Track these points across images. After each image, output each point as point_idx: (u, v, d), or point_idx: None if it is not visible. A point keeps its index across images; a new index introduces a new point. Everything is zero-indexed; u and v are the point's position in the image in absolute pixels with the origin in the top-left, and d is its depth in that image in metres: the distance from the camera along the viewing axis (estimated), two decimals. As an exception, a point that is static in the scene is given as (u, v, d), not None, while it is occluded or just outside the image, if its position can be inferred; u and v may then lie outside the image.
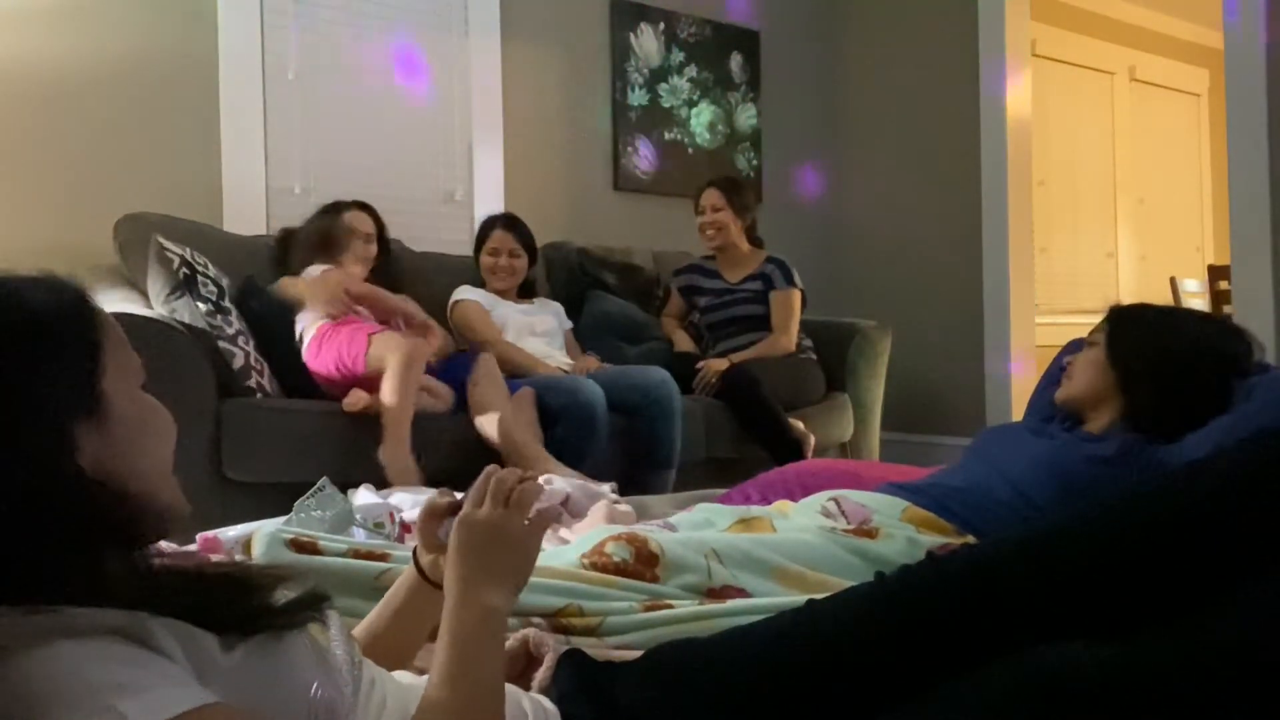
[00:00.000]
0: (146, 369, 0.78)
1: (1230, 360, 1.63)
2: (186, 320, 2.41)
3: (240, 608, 0.73)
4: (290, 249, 2.85)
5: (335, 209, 3.05)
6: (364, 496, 2.04)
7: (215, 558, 1.30)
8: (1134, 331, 1.69)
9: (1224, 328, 1.73)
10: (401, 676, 0.92)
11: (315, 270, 2.73)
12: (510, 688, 0.92)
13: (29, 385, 0.68)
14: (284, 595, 0.77)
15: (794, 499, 1.74)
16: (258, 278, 2.75)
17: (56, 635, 0.63)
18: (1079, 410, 1.74)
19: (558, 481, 2.09)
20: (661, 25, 4.13)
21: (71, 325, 0.73)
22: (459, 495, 0.98)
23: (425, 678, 0.85)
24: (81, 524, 0.67)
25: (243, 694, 0.68)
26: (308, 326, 2.66)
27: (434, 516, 0.99)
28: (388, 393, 2.43)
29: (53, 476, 0.67)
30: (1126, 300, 1.81)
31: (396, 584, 1.02)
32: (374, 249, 2.93)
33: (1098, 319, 1.78)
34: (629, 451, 2.85)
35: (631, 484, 2.69)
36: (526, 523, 0.90)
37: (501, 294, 3.19)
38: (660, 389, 2.87)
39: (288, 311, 2.71)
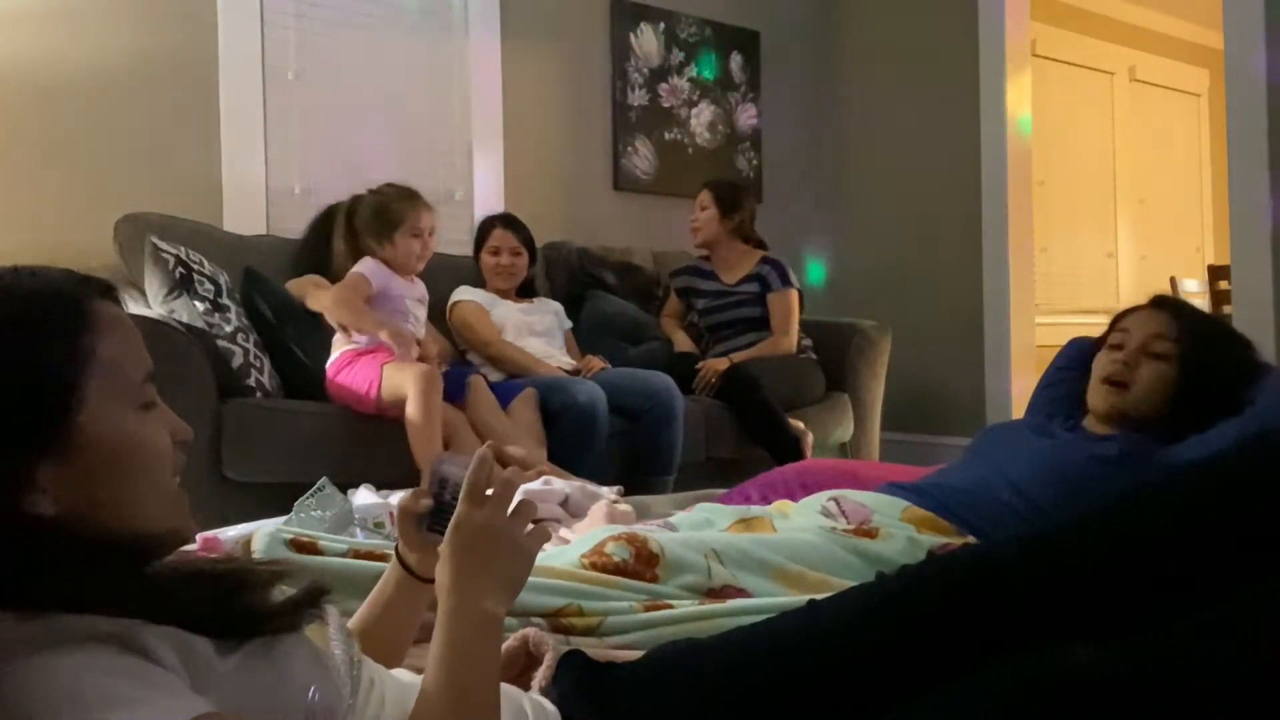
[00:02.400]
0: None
1: (1251, 372, 1.60)
2: (185, 320, 2.41)
3: (237, 610, 0.71)
4: (352, 226, 2.79)
5: (336, 211, 3.05)
6: (364, 496, 2.04)
7: (212, 556, 1.30)
8: (1208, 360, 1.60)
9: (1243, 343, 1.68)
10: (401, 674, 0.91)
11: (363, 265, 2.68)
12: (510, 688, 0.92)
13: None
14: (282, 593, 0.76)
15: (794, 499, 1.73)
16: (256, 266, 2.75)
17: (49, 644, 0.62)
18: (1119, 420, 1.66)
19: (556, 483, 2.08)
20: (661, 25, 4.13)
21: (49, 343, 0.67)
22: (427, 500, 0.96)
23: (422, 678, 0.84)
24: (46, 561, 0.65)
25: (239, 699, 0.67)
26: (335, 342, 2.64)
27: (413, 515, 0.96)
28: (413, 414, 2.42)
29: (10, 523, 0.64)
30: (1127, 300, 1.78)
31: (382, 580, 1.00)
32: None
33: (1098, 319, 1.73)
34: (629, 456, 2.85)
35: (630, 488, 2.69)
36: (527, 530, 0.87)
37: (502, 293, 3.20)
38: (663, 395, 2.88)
39: (297, 308, 2.72)
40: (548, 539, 0.92)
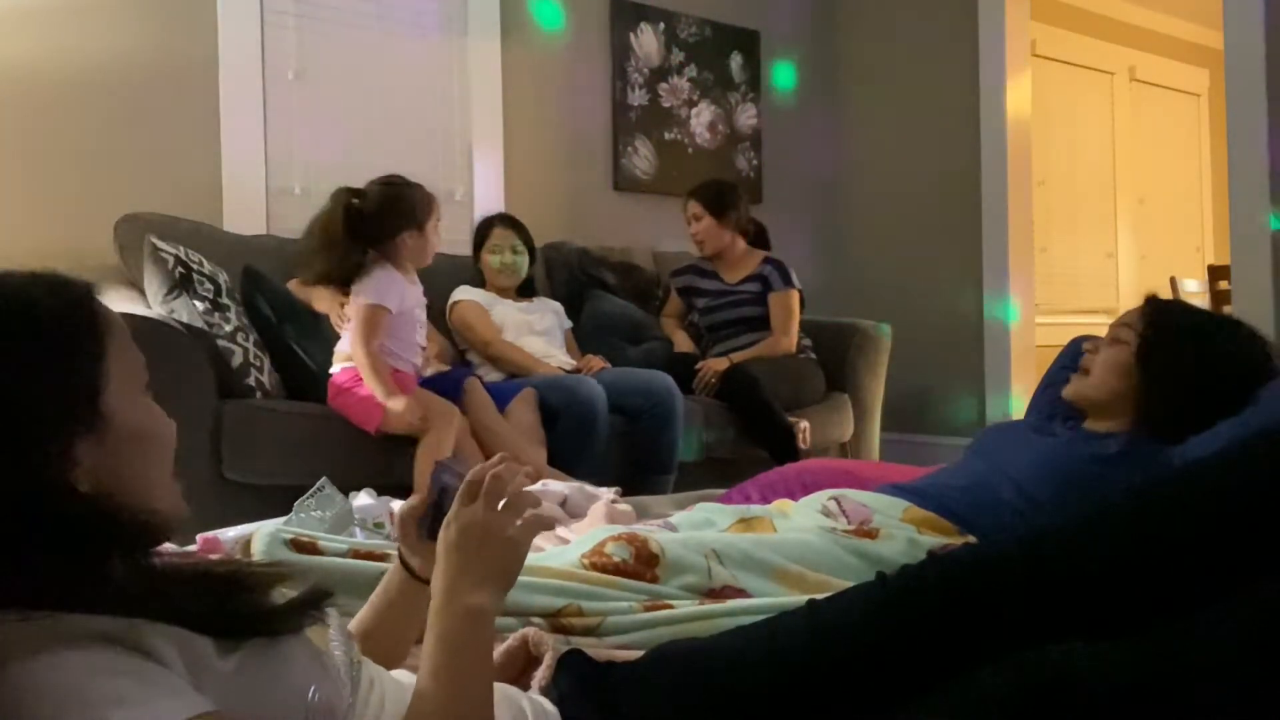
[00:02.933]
0: (147, 369, 0.77)
1: (1256, 375, 1.58)
2: (185, 320, 2.41)
3: (238, 610, 0.72)
4: (362, 220, 2.54)
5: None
6: (364, 500, 2.03)
7: (214, 557, 1.30)
8: (1171, 345, 1.61)
9: (1250, 338, 1.66)
10: (400, 675, 0.91)
11: (376, 277, 2.50)
12: (510, 689, 0.92)
13: (30, 399, 0.67)
14: (282, 595, 0.76)
15: (794, 499, 1.73)
16: (256, 266, 2.74)
17: (51, 644, 0.62)
18: (1086, 409, 1.71)
19: (554, 485, 2.08)
20: (661, 25, 4.13)
21: (77, 333, 0.72)
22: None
23: None
24: (76, 538, 0.67)
25: (240, 699, 0.67)
26: (338, 352, 2.59)
27: (414, 522, 0.98)
28: (427, 447, 2.42)
29: (49, 493, 0.66)
30: (1127, 300, 1.78)
31: (384, 582, 1.01)
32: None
33: (1098, 319, 1.75)
34: (629, 456, 2.85)
35: (630, 488, 2.68)
36: (519, 523, 0.88)
37: (502, 293, 3.20)
38: (663, 393, 2.88)
39: (297, 306, 2.71)
40: (547, 528, 0.93)
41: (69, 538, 0.67)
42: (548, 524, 0.93)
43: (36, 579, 0.65)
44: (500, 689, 0.89)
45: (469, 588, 0.83)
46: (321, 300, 2.72)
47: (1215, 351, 1.61)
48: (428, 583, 0.96)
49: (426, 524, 0.96)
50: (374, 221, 2.54)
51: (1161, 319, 1.65)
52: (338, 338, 2.65)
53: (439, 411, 2.49)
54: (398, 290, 2.54)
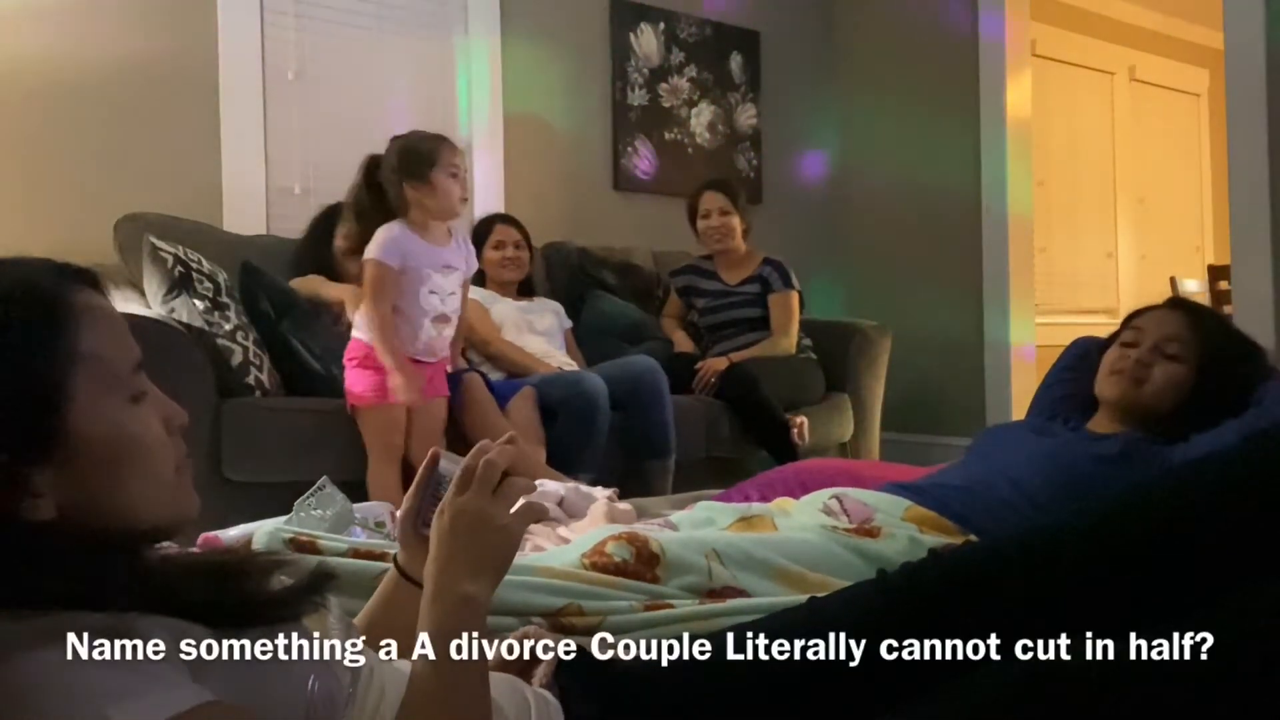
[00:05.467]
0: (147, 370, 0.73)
1: (1261, 378, 1.60)
2: (185, 319, 2.41)
3: (235, 599, 0.71)
4: (378, 182, 2.48)
5: (336, 211, 3.04)
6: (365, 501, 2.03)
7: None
8: (1229, 371, 1.62)
9: (1249, 342, 1.68)
10: (401, 664, 0.91)
11: (380, 234, 2.40)
12: (513, 679, 0.92)
13: None
14: (281, 583, 0.76)
15: (794, 499, 1.73)
16: (254, 261, 2.72)
17: (47, 640, 0.62)
18: (1123, 414, 1.67)
19: (552, 485, 2.07)
20: (661, 25, 4.13)
21: (29, 343, 0.65)
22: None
23: None
24: (48, 567, 0.64)
25: (239, 689, 0.67)
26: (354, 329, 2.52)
27: (410, 515, 0.97)
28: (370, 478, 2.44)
29: (9, 530, 0.63)
30: (1127, 300, 1.78)
31: (381, 586, 1.01)
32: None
33: (1098, 319, 1.75)
34: (625, 444, 2.84)
35: (632, 477, 2.67)
36: (512, 511, 0.87)
37: (502, 291, 3.20)
38: (647, 376, 2.86)
39: (295, 300, 2.71)
40: (541, 515, 0.92)
41: (40, 562, 0.64)
42: (541, 512, 0.92)
43: (29, 586, 0.64)
44: (505, 678, 0.89)
45: (461, 576, 0.82)
46: (329, 289, 2.71)
47: (1246, 367, 1.62)
48: (415, 583, 0.95)
49: (423, 513, 0.95)
50: (386, 180, 2.46)
51: (1211, 336, 1.65)
52: (344, 330, 2.61)
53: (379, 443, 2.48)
54: (400, 246, 2.40)
